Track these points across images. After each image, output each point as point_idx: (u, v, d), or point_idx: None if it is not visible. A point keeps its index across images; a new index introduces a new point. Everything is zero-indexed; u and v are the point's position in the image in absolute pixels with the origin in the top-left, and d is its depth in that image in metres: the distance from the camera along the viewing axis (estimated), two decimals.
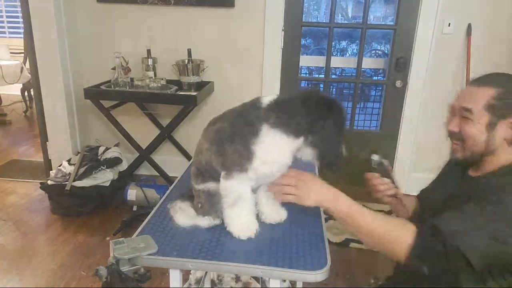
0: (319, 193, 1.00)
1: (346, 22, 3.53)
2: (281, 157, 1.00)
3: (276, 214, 1.13)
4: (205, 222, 1.08)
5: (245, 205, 1.02)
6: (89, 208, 2.58)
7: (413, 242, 0.91)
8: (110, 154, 2.81)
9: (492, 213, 0.90)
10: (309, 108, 0.98)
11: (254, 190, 1.08)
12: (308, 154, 1.03)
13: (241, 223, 1.02)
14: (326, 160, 1.03)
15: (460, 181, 0.87)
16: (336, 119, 1.00)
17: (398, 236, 0.94)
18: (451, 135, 1.11)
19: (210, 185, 1.08)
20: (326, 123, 0.99)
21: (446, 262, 0.88)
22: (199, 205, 1.11)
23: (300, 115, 0.97)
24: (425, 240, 0.91)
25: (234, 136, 1.00)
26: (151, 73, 2.81)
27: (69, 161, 2.76)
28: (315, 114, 0.98)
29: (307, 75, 3.81)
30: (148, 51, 2.80)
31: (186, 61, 2.79)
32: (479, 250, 0.88)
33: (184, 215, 1.11)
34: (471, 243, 0.88)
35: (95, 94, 2.63)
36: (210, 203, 1.08)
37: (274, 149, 0.97)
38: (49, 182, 2.58)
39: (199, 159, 1.10)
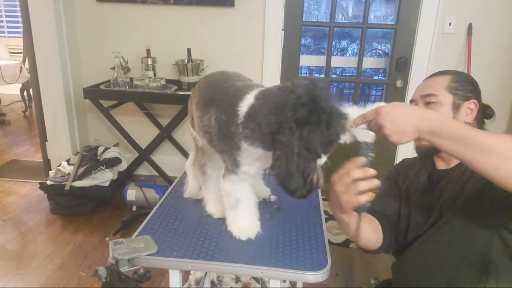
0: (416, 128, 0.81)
1: (346, 21, 3.52)
2: (267, 160, 0.90)
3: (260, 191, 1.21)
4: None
5: (246, 206, 1.02)
6: (89, 208, 2.57)
7: None
8: (109, 154, 2.81)
9: None
10: (281, 112, 0.78)
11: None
12: None
13: (242, 224, 1.02)
14: (285, 187, 0.81)
15: (434, 176, 0.80)
16: (315, 130, 0.75)
17: None
18: None
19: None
20: (292, 136, 0.76)
21: None
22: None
23: (271, 123, 0.80)
24: None
25: (222, 136, 0.95)
26: (150, 73, 2.81)
27: (68, 161, 2.75)
28: (284, 120, 0.77)
29: (308, 74, 3.79)
30: (148, 50, 2.80)
31: (186, 60, 2.79)
32: None
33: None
34: None
35: (94, 94, 2.63)
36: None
37: (257, 156, 0.92)
38: (49, 182, 2.58)
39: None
